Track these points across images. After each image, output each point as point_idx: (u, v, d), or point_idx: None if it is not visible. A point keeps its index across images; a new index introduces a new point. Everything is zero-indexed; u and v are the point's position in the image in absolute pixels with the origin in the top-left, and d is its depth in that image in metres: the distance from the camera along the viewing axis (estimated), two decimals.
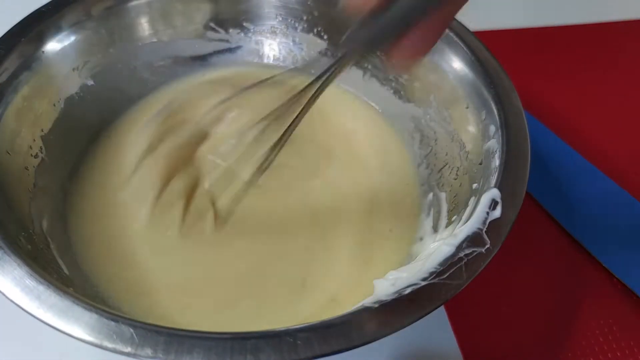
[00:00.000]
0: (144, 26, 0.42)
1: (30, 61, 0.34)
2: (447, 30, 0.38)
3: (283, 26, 0.45)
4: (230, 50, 0.45)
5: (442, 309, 0.37)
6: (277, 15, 0.44)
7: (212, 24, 0.44)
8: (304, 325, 0.23)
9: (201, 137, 0.38)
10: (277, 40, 0.45)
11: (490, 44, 0.37)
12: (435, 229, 0.35)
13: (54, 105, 0.37)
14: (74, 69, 0.38)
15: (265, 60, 0.46)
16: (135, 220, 0.35)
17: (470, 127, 0.35)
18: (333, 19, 0.43)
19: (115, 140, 0.40)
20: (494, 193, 0.29)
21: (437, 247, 0.28)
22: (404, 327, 0.24)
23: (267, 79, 0.34)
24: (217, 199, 0.36)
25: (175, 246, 0.34)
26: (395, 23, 0.23)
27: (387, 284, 0.28)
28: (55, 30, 0.36)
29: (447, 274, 0.25)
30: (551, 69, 0.55)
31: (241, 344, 0.22)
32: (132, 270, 0.33)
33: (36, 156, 0.34)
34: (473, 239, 0.27)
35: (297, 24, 0.44)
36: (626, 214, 0.42)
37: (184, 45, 0.44)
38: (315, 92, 0.30)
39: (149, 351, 0.22)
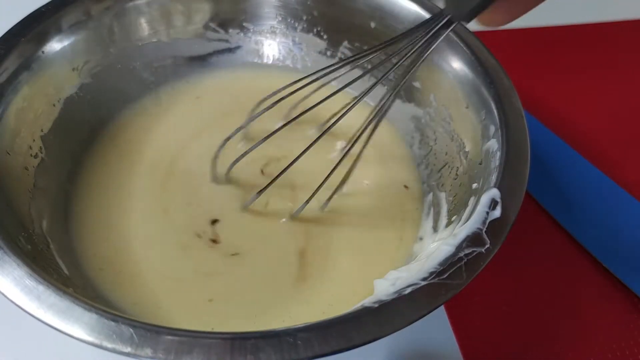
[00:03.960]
0: (144, 26, 0.42)
1: (30, 61, 0.34)
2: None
3: (283, 26, 0.45)
4: (230, 50, 0.45)
5: (442, 309, 0.37)
6: (276, 15, 0.44)
7: (212, 24, 0.44)
8: (304, 325, 0.23)
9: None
10: (277, 40, 0.45)
11: (490, 44, 0.37)
12: (435, 229, 0.35)
13: (54, 105, 0.36)
14: (73, 69, 0.38)
15: (265, 60, 0.46)
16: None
17: (470, 127, 0.35)
18: (333, 18, 0.43)
19: (115, 141, 0.40)
20: (494, 193, 0.29)
21: (437, 247, 0.28)
22: (404, 327, 0.24)
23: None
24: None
25: (177, 246, 0.34)
26: None
27: (387, 284, 0.28)
28: (55, 30, 0.36)
29: (447, 274, 0.25)
30: (551, 69, 0.55)
31: (241, 344, 0.22)
32: (132, 270, 0.33)
33: (36, 156, 0.34)
34: (473, 239, 0.27)
35: (296, 24, 0.44)
36: (626, 214, 0.42)
37: (183, 45, 0.44)
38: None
39: (148, 351, 0.22)
